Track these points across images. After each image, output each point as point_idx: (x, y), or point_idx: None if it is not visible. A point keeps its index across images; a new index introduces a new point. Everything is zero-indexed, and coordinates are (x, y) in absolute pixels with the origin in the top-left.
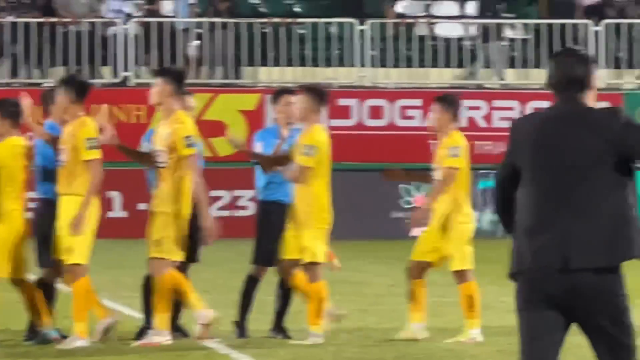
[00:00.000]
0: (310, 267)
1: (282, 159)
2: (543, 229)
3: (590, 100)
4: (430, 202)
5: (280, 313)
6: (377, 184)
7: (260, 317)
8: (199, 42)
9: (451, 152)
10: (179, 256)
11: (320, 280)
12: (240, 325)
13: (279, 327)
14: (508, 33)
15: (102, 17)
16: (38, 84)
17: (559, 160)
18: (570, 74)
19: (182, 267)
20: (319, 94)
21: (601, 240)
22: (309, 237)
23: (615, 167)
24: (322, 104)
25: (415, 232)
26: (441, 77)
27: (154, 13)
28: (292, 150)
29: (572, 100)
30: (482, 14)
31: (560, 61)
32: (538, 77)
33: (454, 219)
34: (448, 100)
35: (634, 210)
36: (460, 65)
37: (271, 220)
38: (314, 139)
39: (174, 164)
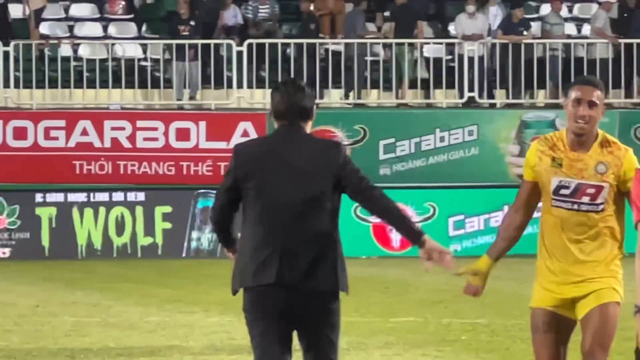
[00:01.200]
0: None
1: None
2: (269, 250)
3: (309, 129)
4: None
5: None
6: None
7: None
8: None
9: None
10: None
11: None
12: None
13: None
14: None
15: None
16: None
17: (284, 185)
18: (297, 103)
19: None
20: None
21: (326, 266)
22: None
23: (333, 195)
24: None
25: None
26: (85, 97)
27: None
28: None
29: (297, 128)
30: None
31: (286, 92)
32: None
33: None
34: None
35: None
36: (103, 86)
37: None
38: None
39: None
